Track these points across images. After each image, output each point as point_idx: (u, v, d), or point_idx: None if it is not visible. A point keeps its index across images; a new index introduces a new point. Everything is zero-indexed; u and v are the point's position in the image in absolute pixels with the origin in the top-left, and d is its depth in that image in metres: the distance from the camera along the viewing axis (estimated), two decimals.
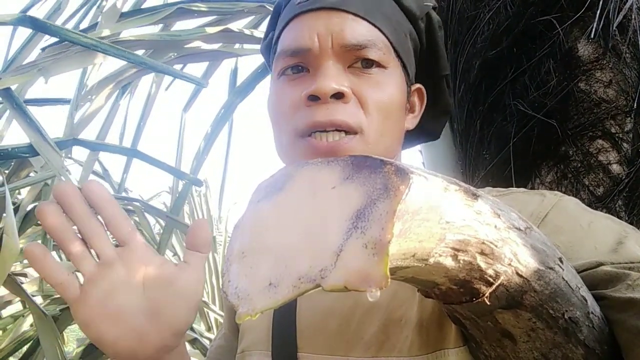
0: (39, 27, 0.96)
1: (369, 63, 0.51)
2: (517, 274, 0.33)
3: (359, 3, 0.52)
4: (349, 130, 0.50)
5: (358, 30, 0.51)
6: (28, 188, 1.37)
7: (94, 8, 1.56)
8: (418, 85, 0.59)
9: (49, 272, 0.43)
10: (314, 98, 0.49)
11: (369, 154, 0.28)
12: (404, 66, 0.55)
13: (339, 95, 0.49)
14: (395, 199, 0.23)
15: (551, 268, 0.35)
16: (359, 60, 0.51)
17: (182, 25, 1.52)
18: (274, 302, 0.24)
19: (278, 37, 0.55)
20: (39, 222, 1.53)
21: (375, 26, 0.52)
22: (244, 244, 0.28)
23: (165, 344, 0.45)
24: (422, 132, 0.62)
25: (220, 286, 0.27)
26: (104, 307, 0.43)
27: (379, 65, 0.51)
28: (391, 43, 0.53)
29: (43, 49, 1.08)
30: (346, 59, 0.51)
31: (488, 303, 0.33)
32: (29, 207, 1.35)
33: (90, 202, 0.43)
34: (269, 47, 0.61)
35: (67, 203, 0.43)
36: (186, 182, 1.54)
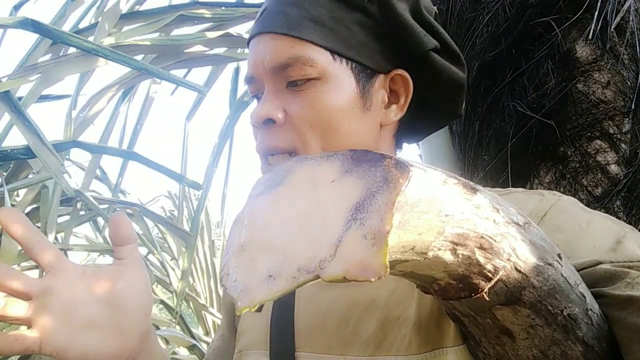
0: (41, 30, 0.96)
1: (297, 81, 0.50)
2: (516, 269, 0.33)
3: (282, 20, 0.50)
4: (290, 152, 0.51)
5: (280, 50, 0.50)
6: (26, 190, 1.37)
7: (94, 8, 1.57)
8: (397, 72, 0.53)
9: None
10: (255, 125, 0.52)
11: None
12: (353, 62, 0.51)
13: (270, 122, 0.51)
14: (394, 191, 0.23)
15: (550, 264, 0.35)
16: (288, 79, 0.51)
17: (183, 30, 1.53)
18: (273, 294, 0.24)
19: None
20: (37, 224, 1.53)
21: (300, 38, 0.50)
22: (243, 238, 0.28)
23: (135, 345, 0.47)
24: (434, 115, 0.58)
25: (219, 280, 0.27)
26: (73, 321, 0.44)
27: (309, 79, 0.50)
28: (326, 48, 0.50)
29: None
30: (281, 80, 0.51)
31: (487, 299, 0.33)
32: (28, 209, 1.34)
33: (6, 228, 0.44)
34: None
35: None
36: (199, 191, 1.55)
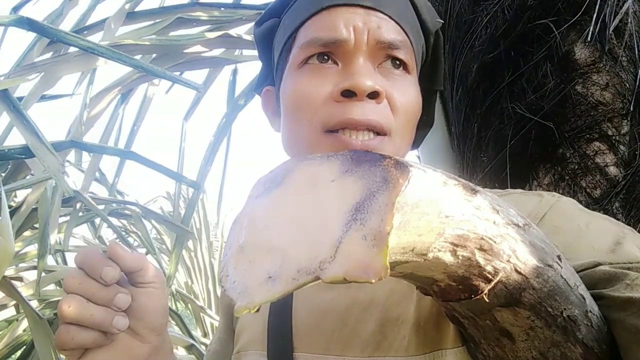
0: (36, 28, 0.95)
1: (397, 64, 0.51)
2: (516, 271, 0.33)
3: (393, 8, 0.52)
4: (379, 131, 0.49)
5: (392, 31, 0.51)
6: (27, 190, 1.37)
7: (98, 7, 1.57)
8: None
9: None
10: (349, 94, 0.48)
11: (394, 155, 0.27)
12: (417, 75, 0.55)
13: (374, 95, 0.48)
14: (394, 191, 0.23)
15: (550, 265, 0.35)
16: (388, 59, 0.51)
17: (181, 33, 1.53)
18: (272, 295, 0.24)
19: (297, 27, 0.53)
20: (35, 225, 1.52)
21: (405, 32, 0.52)
22: (243, 239, 0.28)
23: (154, 345, 0.49)
24: None
25: (219, 282, 0.27)
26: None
27: (405, 68, 0.51)
28: (414, 51, 0.53)
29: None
30: (377, 56, 0.50)
31: (487, 300, 0.33)
32: (26, 209, 1.34)
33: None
34: (270, 34, 0.58)
35: None
36: (195, 190, 1.55)
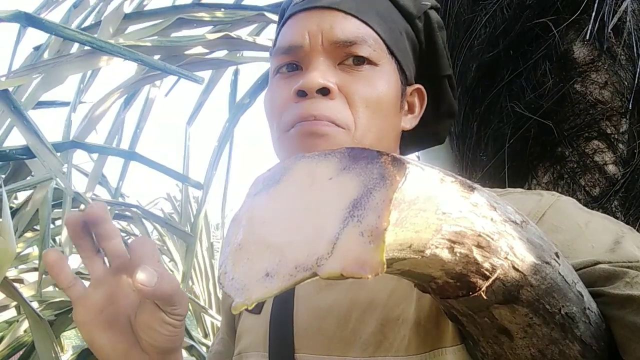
0: (34, 23, 0.95)
1: (359, 60, 0.51)
2: (514, 267, 0.33)
3: (351, 2, 0.53)
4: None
5: (348, 28, 0.51)
6: (27, 192, 1.37)
7: (94, 13, 1.57)
8: (417, 86, 0.59)
9: (60, 277, 0.45)
10: (301, 93, 0.50)
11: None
12: (399, 64, 0.55)
13: (324, 91, 0.50)
14: (391, 188, 0.23)
15: (547, 262, 0.35)
16: (349, 57, 0.51)
17: (182, 34, 1.53)
18: (270, 292, 0.24)
19: (276, 38, 0.57)
20: (35, 226, 1.52)
21: (367, 24, 0.52)
22: (241, 237, 0.28)
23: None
24: (426, 135, 0.62)
25: (217, 279, 0.27)
26: (100, 312, 0.46)
27: (369, 62, 0.52)
28: (384, 41, 0.53)
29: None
30: (336, 55, 0.51)
31: (485, 297, 0.33)
32: (27, 210, 1.34)
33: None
34: None
35: (97, 222, 0.45)
36: (202, 192, 1.56)
